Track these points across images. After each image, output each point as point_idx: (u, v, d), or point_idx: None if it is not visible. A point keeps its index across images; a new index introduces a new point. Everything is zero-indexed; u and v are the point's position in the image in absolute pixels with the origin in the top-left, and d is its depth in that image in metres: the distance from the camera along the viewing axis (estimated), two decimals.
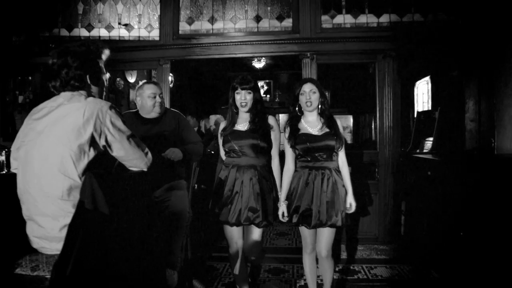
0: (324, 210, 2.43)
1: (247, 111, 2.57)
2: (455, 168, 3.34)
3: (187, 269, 3.05)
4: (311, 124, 2.59)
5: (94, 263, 1.53)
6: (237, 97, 2.54)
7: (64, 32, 4.28)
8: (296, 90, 2.59)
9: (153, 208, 2.33)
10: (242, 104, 2.52)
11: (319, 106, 2.55)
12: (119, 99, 6.43)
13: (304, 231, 2.56)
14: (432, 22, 3.95)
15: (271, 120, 2.63)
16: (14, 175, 1.85)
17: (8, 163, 2.29)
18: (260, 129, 2.54)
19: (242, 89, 2.51)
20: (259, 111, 2.58)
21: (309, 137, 2.51)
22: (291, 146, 2.55)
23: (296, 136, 2.53)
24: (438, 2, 3.93)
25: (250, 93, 2.53)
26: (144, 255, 1.85)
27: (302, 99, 2.53)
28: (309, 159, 2.52)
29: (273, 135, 2.61)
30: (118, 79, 6.33)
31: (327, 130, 2.53)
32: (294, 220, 2.50)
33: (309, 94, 2.50)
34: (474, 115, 3.89)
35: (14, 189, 1.81)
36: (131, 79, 6.74)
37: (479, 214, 2.89)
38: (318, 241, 2.54)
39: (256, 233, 2.58)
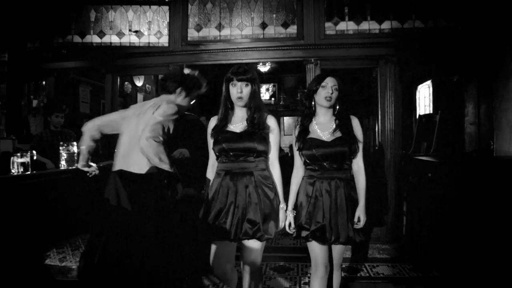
0: (338, 226, 2.19)
1: (244, 106, 2.24)
2: (455, 169, 3.49)
3: (197, 265, 3.21)
4: (323, 126, 2.30)
5: (118, 253, 1.71)
6: (233, 90, 2.19)
7: (77, 39, 4.47)
8: (313, 83, 2.28)
9: (167, 206, 2.49)
10: (238, 97, 2.18)
11: (337, 107, 2.29)
12: (127, 103, 6.62)
13: (315, 249, 2.24)
14: (432, 28, 4.09)
15: (270, 120, 2.28)
16: (38, 176, 2.04)
17: (32, 164, 2.47)
18: (258, 129, 2.20)
19: (239, 80, 2.17)
20: (256, 106, 2.23)
21: (316, 142, 2.23)
22: (298, 150, 2.29)
23: (304, 140, 2.26)
24: (438, 9, 4.08)
25: (247, 85, 2.18)
26: (160, 247, 2.02)
27: (321, 93, 2.22)
28: (316, 168, 2.25)
29: (272, 137, 2.26)
30: (126, 83, 6.53)
31: (340, 134, 2.25)
32: (303, 234, 2.22)
33: (332, 89, 2.21)
34: (473, 118, 4.05)
35: (40, 190, 1.99)
36: (139, 83, 6.95)
37: (478, 214, 3.02)
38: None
39: (255, 249, 2.22)
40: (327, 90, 2.20)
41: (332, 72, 2.34)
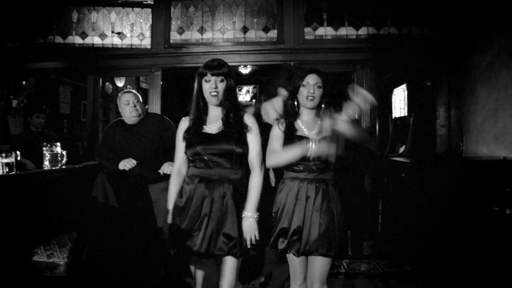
0: (316, 234, 2.00)
1: (218, 104, 2.03)
2: (426, 170, 3.70)
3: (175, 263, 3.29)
4: (308, 125, 2.13)
5: (106, 249, 1.81)
6: (206, 86, 1.98)
7: (58, 39, 4.51)
8: (295, 80, 2.11)
9: (150, 204, 2.58)
10: (212, 94, 1.97)
11: (322, 106, 2.12)
12: (108, 103, 6.65)
13: (293, 259, 2.09)
14: (407, 35, 4.32)
15: (248, 118, 2.07)
16: (24, 176, 2.10)
17: (17, 164, 2.53)
18: (235, 129, 2.01)
19: (213, 75, 1.97)
20: (232, 104, 2.03)
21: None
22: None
23: (292, 137, 2.07)
24: (412, 17, 4.31)
25: (223, 80, 1.98)
26: (144, 242, 2.13)
27: (303, 92, 2.06)
28: (301, 168, 2.06)
29: (251, 138, 2.04)
30: (107, 83, 6.56)
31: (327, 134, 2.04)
32: (281, 246, 2.03)
33: (313, 88, 2.03)
34: (444, 121, 4.28)
35: (25, 189, 2.06)
36: (120, 84, 6.97)
37: (448, 212, 3.23)
38: (310, 272, 2.11)
39: (232, 266, 1.98)
40: (307, 89, 2.03)
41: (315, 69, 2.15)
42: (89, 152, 4.46)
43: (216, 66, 1.97)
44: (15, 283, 1.92)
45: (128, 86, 7.25)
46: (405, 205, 3.94)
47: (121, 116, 3.12)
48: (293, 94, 2.11)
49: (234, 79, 2.06)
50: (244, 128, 2.02)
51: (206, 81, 1.97)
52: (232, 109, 2.01)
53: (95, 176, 2.27)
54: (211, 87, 1.95)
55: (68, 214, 2.44)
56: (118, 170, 2.46)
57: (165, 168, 2.83)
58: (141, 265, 2.05)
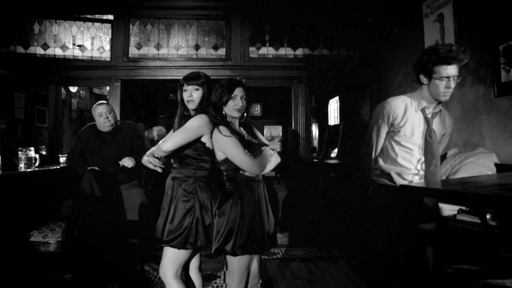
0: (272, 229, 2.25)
1: (194, 109, 2.30)
2: (350, 170, 4.59)
3: (138, 253, 3.87)
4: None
5: (92, 228, 2.45)
6: (184, 95, 2.29)
7: (20, 49, 4.96)
8: (222, 95, 2.17)
9: (120, 199, 3.19)
10: (188, 101, 2.26)
11: (245, 115, 2.27)
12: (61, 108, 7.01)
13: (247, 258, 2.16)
14: (336, 55, 5.26)
15: (191, 119, 2.21)
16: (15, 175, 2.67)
17: None
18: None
19: (189, 85, 2.27)
20: (201, 109, 2.25)
21: (255, 145, 2.24)
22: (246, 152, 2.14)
23: (249, 142, 2.22)
24: (340, 40, 5.27)
25: (198, 89, 2.26)
26: (118, 226, 2.78)
27: (230, 105, 2.17)
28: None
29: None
30: None
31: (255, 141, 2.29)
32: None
33: (242, 100, 2.18)
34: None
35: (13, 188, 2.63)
36: (73, 89, 7.38)
37: (366, 206, 4.06)
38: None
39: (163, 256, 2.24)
40: (236, 102, 2.17)
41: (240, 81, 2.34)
42: (51, 156, 4.91)
43: (191, 78, 2.28)
44: (17, 260, 2.49)
45: (81, 91, 7.66)
46: (333, 201, 4.82)
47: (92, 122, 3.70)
48: (220, 106, 2.19)
49: (212, 87, 2.27)
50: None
51: (184, 90, 2.29)
52: (196, 112, 2.25)
53: (68, 177, 2.90)
54: (187, 95, 2.27)
55: (48, 208, 3.01)
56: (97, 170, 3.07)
57: (124, 162, 3.41)
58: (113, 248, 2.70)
